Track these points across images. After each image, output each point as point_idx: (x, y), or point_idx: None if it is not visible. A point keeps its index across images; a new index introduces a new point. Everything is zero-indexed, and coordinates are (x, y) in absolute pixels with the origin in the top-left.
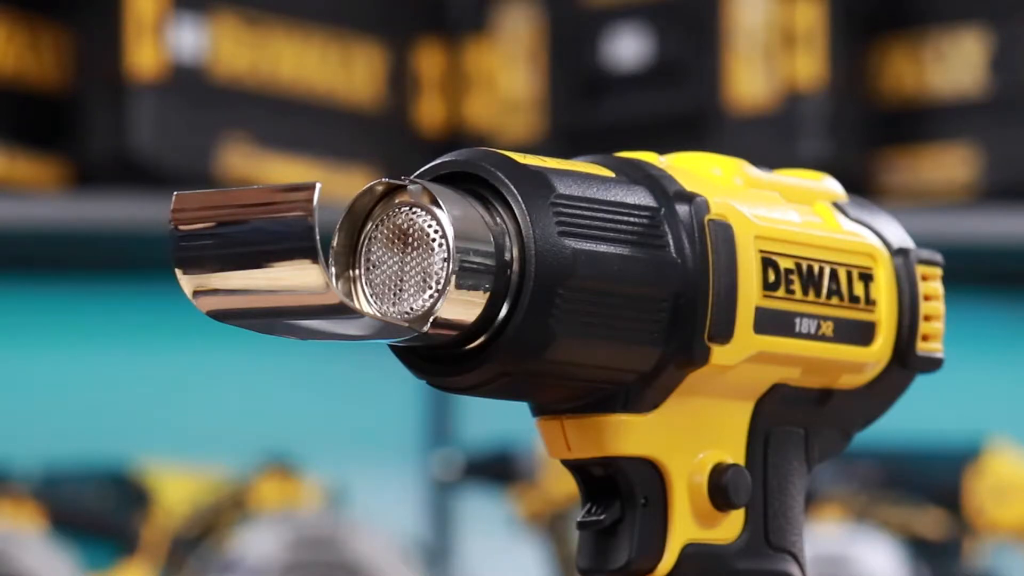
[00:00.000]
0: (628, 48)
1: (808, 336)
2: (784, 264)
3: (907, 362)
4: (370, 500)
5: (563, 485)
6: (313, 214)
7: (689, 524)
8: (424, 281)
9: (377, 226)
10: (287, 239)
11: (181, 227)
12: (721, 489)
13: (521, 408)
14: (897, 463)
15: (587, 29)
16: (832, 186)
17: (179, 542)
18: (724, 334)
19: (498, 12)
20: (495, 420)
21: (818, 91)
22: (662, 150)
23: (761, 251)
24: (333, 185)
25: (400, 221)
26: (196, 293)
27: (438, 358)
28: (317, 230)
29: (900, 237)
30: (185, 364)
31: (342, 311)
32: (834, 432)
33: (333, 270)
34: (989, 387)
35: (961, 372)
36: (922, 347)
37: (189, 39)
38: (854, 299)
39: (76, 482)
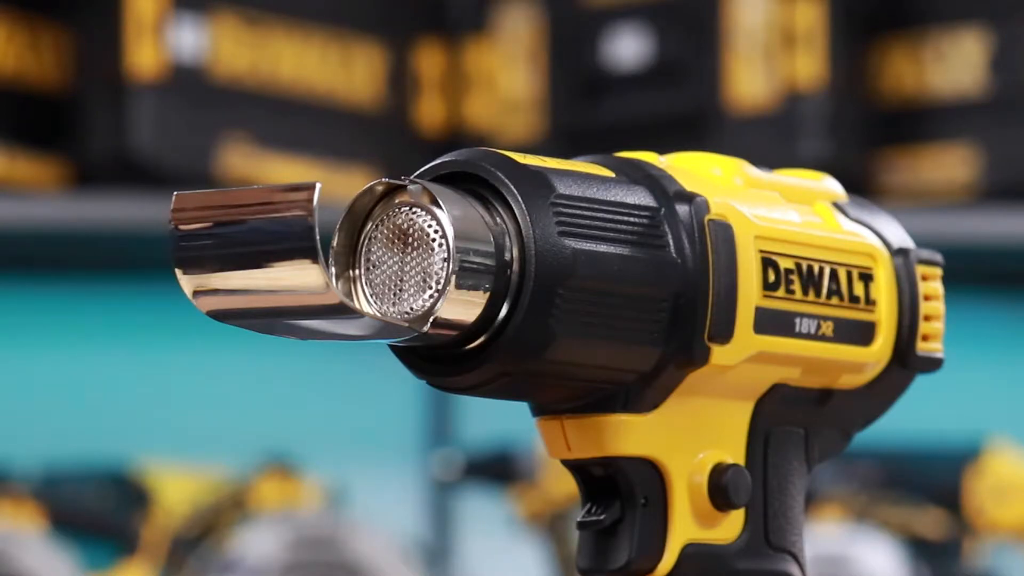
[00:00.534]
0: (628, 48)
1: (808, 336)
2: (784, 264)
3: (907, 362)
4: (370, 500)
5: (563, 485)
6: (313, 214)
7: (689, 524)
8: (424, 281)
9: (377, 226)
10: (287, 239)
11: (181, 227)
12: (721, 489)
13: (521, 408)
14: (897, 463)
15: (587, 29)
16: (832, 186)
17: (179, 542)
18: (724, 334)
19: (498, 12)
20: (495, 420)
21: (818, 91)
22: (662, 150)
23: (761, 251)
24: (333, 185)
25: (400, 221)
26: (196, 293)
27: (438, 358)
28: (317, 230)
29: (900, 237)
30: (185, 364)
31: (342, 311)
32: (834, 432)
33: (333, 270)
34: (989, 387)
35: (961, 372)
36: (922, 347)
37: (189, 39)
38: (854, 299)
39: (76, 482)
